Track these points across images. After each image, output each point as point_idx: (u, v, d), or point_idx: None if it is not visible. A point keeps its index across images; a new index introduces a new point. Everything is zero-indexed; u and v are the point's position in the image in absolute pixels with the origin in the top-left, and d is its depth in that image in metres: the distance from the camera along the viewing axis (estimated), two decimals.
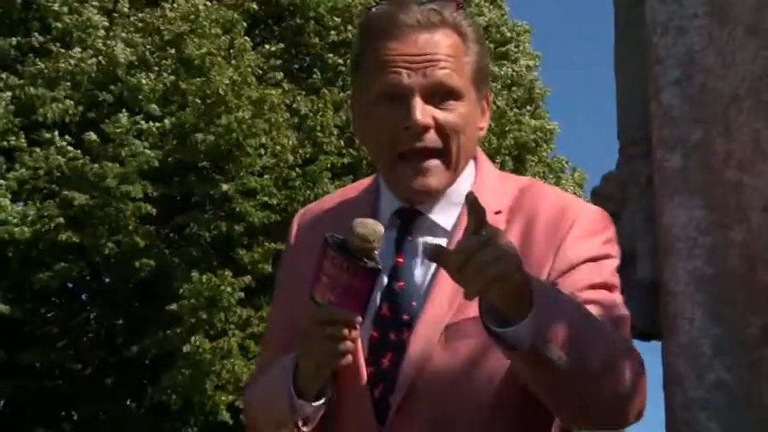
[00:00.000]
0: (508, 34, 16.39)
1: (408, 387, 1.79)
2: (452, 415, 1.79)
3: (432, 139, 1.84)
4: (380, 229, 1.77)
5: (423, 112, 1.82)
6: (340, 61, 14.21)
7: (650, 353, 2.23)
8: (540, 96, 16.83)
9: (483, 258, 1.58)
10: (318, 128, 13.51)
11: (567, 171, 17.14)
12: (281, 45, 14.46)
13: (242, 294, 13.20)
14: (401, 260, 1.86)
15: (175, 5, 13.60)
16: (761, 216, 2.13)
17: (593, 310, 1.76)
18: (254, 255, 13.50)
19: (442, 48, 1.85)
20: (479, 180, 1.92)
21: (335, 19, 14.30)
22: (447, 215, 1.88)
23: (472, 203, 1.60)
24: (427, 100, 1.84)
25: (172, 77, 13.57)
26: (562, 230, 1.83)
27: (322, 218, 1.99)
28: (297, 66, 14.95)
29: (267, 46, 14.43)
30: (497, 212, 1.85)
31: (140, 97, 13.46)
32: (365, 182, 2.04)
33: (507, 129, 15.06)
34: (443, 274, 1.72)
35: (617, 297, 1.84)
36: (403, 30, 1.85)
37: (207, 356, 12.73)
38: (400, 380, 1.80)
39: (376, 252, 1.77)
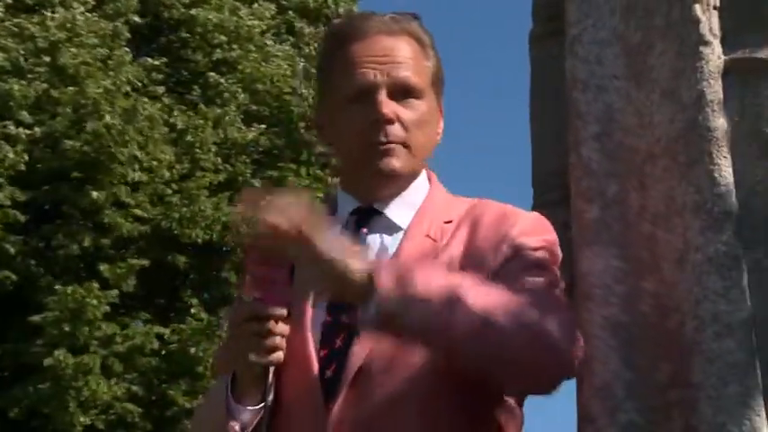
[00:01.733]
0: None
1: (359, 365, 1.88)
2: (399, 392, 1.88)
3: (396, 130, 2.01)
4: None
5: (388, 106, 1.99)
6: (222, 80, 14.19)
7: (564, 392, 2.36)
8: None
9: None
10: (197, 144, 13.45)
11: None
12: (164, 59, 14.35)
13: (108, 308, 13.02)
14: None
15: (53, 14, 13.36)
16: (673, 267, 2.28)
17: (527, 294, 1.89)
18: (117, 269, 13.31)
19: (402, 51, 2.04)
20: (432, 191, 2.08)
21: (221, 37, 14.27)
22: (402, 214, 2.02)
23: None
24: (391, 97, 2.01)
25: (44, 85, 13.33)
26: (505, 226, 2.00)
27: None
28: (175, 80, 14.85)
29: (150, 59, 14.29)
30: (447, 222, 2.01)
31: (11, 104, 13.18)
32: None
33: None
34: None
35: (552, 279, 1.99)
36: (367, 34, 2.04)
37: (69, 372, 12.50)
38: (350, 358, 1.89)
39: None
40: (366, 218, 2.03)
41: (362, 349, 1.88)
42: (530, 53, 2.96)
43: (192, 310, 13.53)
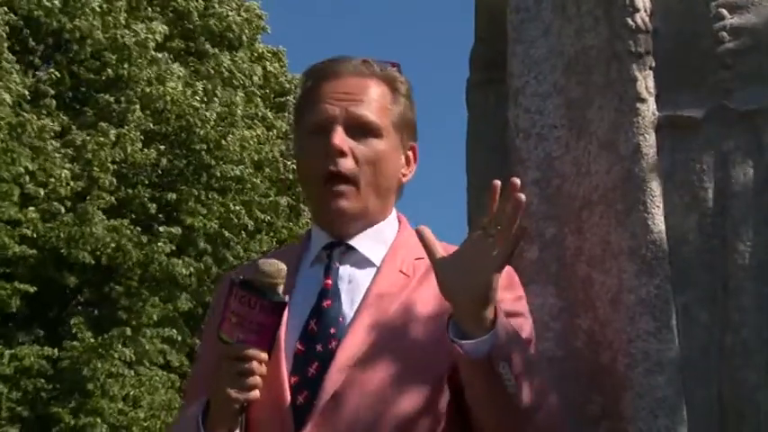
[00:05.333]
0: (287, 86, 16.73)
1: (334, 392, 1.97)
2: (369, 421, 1.97)
3: (347, 164, 2.09)
4: (283, 267, 1.97)
5: (341, 139, 2.08)
6: (111, 99, 14.02)
7: None
8: None
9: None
10: (96, 162, 13.29)
11: None
12: (54, 71, 14.10)
13: None
14: (329, 282, 2.08)
15: None
16: (607, 307, 2.44)
17: None
18: (1, 290, 13.01)
19: (366, 90, 2.13)
20: (402, 231, 2.18)
21: (112, 56, 14.09)
22: (375, 250, 2.11)
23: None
24: (348, 132, 2.10)
25: None
26: None
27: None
28: (69, 97, 14.63)
29: (40, 73, 14.04)
30: (418, 258, 2.10)
31: None
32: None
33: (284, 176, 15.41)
34: (369, 301, 2.01)
35: (530, 326, 2.14)
36: (336, 74, 2.14)
37: None
38: (326, 384, 1.98)
39: (280, 288, 1.96)
40: (339, 252, 2.13)
41: (336, 378, 1.97)
42: (467, 100, 3.11)
43: (77, 330, 13.26)
